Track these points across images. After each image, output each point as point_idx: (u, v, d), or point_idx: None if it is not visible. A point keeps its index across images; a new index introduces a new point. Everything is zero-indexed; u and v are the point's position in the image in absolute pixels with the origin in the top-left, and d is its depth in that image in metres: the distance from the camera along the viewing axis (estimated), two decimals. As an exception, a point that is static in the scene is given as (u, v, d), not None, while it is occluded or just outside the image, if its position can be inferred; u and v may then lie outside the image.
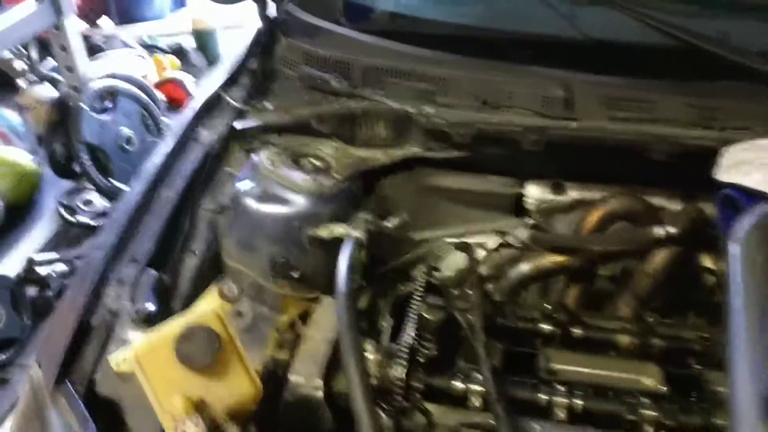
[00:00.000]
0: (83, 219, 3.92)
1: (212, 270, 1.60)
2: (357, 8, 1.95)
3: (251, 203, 1.57)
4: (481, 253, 1.75)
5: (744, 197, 1.31)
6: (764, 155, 1.38)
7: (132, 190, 1.60)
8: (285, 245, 1.57)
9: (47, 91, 4.54)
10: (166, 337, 1.06)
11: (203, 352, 1.04)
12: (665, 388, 1.31)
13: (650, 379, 1.35)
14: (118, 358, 1.13)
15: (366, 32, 1.79)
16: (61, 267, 3.54)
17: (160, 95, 4.57)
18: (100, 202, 3.99)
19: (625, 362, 1.39)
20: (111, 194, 3.84)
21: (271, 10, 1.97)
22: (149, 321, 1.32)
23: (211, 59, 5.74)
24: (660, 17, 1.57)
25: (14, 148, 4.08)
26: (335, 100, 1.73)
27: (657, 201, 1.66)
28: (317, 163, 1.68)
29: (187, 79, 5.13)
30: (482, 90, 1.63)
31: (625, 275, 1.69)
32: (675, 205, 1.66)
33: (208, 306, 1.12)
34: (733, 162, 1.41)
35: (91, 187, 3.89)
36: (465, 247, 1.54)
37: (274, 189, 1.58)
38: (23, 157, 3.99)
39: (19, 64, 4.71)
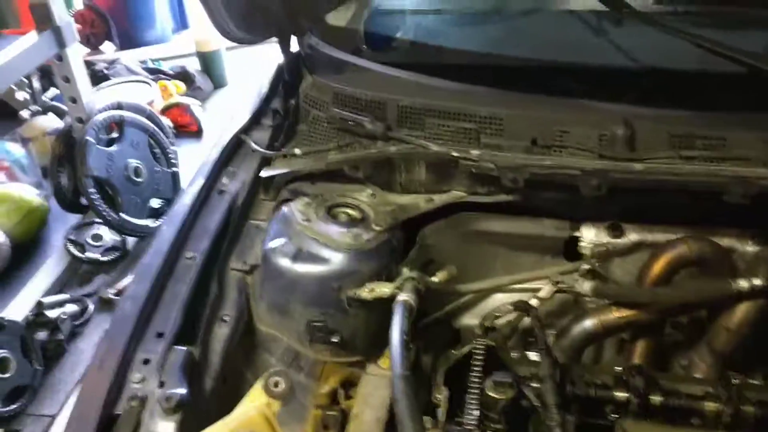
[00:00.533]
0: (92, 255, 3.79)
1: (245, 338, 1.46)
2: (386, 40, 1.82)
3: (284, 262, 1.43)
4: (533, 302, 1.61)
5: None
6: None
7: (153, 252, 1.46)
8: (323, 307, 1.43)
9: (51, 122, 4.43)
10: (210, 447, 0.92)
11: (252, 465, 0.90)
12: (764, 467, 1.16)
13: (743, 454, 1.21)
14: (152, 465, 0.99)
15: (397, 66, 1.65)
16: (71, 308, 3.41)
17: (167, 121, 4.44)
18: (109, 236, 3.85)
19: (712, 433, 1.25)
20: (120, 228, 3.71)
21: (294, 43, 1.83)
22: (181, 407, 1.18)
23: (217, 82, 5.63)
24: (723, 41, 1.44)
25: (19, 184, 3.96)
26: (370, 144, 1.59)
27: (726, 242, 1.52)
28: (353, 213, 1.54)
29: (193, 103, 5.00)
30: (531, 128, 1.49)
31: (695, 324, 1.55)
32: (745, 246, 1.51)
33: (253, 404, 0.98)
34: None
35: (100, 221, 3.76)
36: (526, 308, 1.39)
37: (308, 246, 1.44)
38: (29, 193, 3.86)
39: (21, 95, 4.61)
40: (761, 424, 1.25)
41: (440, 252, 1.64)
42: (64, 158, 3.68)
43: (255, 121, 1.79)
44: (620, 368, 1.35)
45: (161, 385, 1.23)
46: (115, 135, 3.74)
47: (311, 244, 1.44)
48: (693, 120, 1.43)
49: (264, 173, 1.63)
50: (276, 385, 0.98)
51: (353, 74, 1.66)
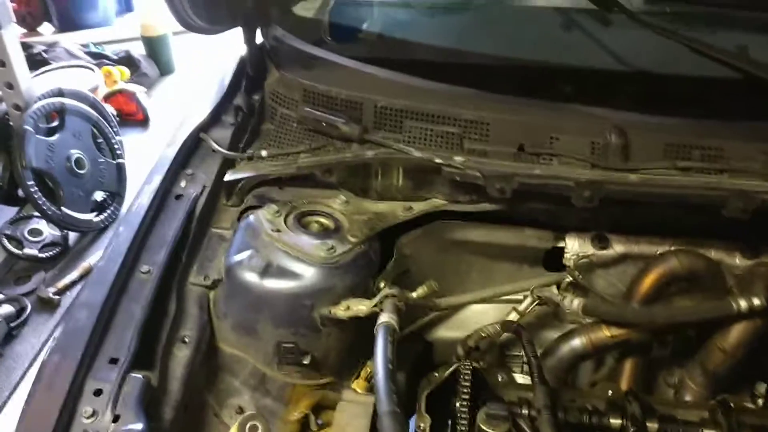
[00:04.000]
0: (30, 251, 3.54)
1: (207, 360, 1.33)
2: (354, 32, 1.70)
3: (251, 278, 1.30)
4: (512, 315, 1.53)
5: None
6: None
7: (104, 265, 1.31)
8: (294, 327, 1.31)
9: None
10: None
11: None
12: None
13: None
14: None
15: (373, 62, 1.52)
16: (7, 308, 3.18)
17: (111, 109, 4.21)
18: (48, 231, 3.61)
19: (713, 463, 1.18)
20: (61, 222, 3.48)
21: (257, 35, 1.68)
22: (138, 445, 1.05)
23: (164, 68, 5.38)
24: (721, 46, 1.37)
25: (-50, 175, 3.68)
26: (344, 147, 1.47)
27: (714, 255, 1.46)
28: (326, 222, 1.42)
29: (138, 90, 4.76)
30: (519, 134, 1.39)
31: (679, 341, 1.49)
32: (734, 260, 1.46)
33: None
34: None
35: (38, 215, 3.52)
36: (517, 330, 1.30)
37: (278, 259, 1.31)
38: (-39, 185, 3.59)
39: (-48, 79, 4.29)
40: (760, 451, 1.19)
41: (416, 262, 1.54)
42: (0, 148, 3.43)
43: (215, 118, 1.64)
44: (612, 393, 1.27)
45: (115, 419, 1.09)
46: (55, 124, 3.50)
47: (281, 258, 1.31)
48: (689, 128, 1.36)
49: (227, 177, 1.49)
50: (254, 430, 0.86)
51: (325, 70, 1.53)
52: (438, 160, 1.38)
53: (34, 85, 3.54)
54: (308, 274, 1.30)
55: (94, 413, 1.10)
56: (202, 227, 1.46)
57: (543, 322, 1.61)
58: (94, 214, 3.59)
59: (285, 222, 1.38)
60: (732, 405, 1.23)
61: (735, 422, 1.19)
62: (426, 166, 1.41)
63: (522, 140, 1.39)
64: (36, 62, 4.69)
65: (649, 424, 1.20)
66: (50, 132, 3.47)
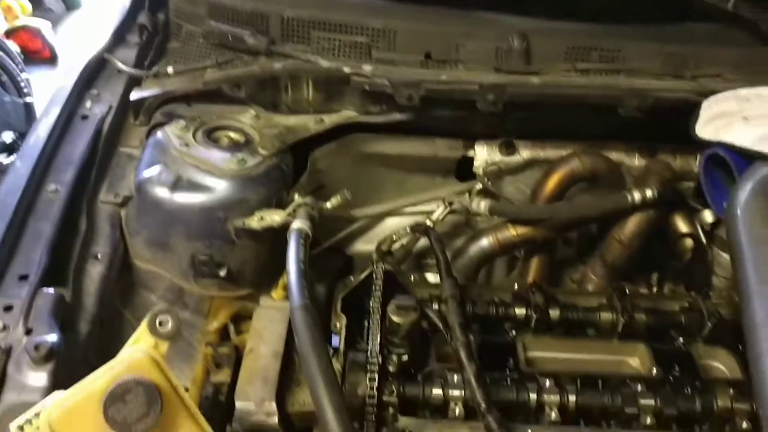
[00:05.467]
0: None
1: (122, 276, 1.32)
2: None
3: (162, 193, 1.29)
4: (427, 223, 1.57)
5: (734, 157, 1.19)
6: (746, 107, 1.26)
7: (6, 189, 1.28)
8: (207, 239, 1.31)
9: None
10: (90, 396, 0.81)
11: (143, 414, 0.80)
12: (656, 371, 1.19)
13: (636, 360, 1.24)
14: (22, 422, 0.87)
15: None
16: None
17: (14, 46, 4.01)
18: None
19: (609, 343, 1.27)
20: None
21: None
22: (53, 356, 1.05)
23: (70, 2, 5.12)
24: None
25: None
26: (252, 60, 1.45)
27: (615, 156, 1.53)
28: (236, 136, 1.42)
29: (43, 26, 4.53)
30: (426, 42, 1.42)
31: (583, 239, 1.57)
32: (633, 160, 1.54)
33: (138, 347, 0.87)
34: (714, 115, 1.28)
35: (-56, 158, 3.37)
36: (426, 230, 1.34)
37: (188, 173, 1.31)
38: None
39: None
40: (652, 330, 1.28)
41: (332, 176, 1.56)
42: None
43: (119, 38, 1.60)
44: (518, 286, 1.34)
45: (28, 332, 1.08)
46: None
47: (191, 172, 1.31)
48: (589, 31, 1.41)
49: (134, 95, 1.46)
50: (162, 324, 0.88)
51: (229, -17, 1.50)
52: (346, 70, 1.39)
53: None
54: (219, 186, 1.30)
55: (5, 327, 1.08)
56: (111, 146, 1.43)
57: (457, 231, 1.66)
58: (3, 155, 3.45)
59: (194, 137, 1.37)
60: (627, 291, 1.32)
61: (629, 305, 1.27)
62: (335, 77, 1.42)
63: (429, 48, 1.42)
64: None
65: (551, 312, 1.28)
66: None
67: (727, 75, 1.37)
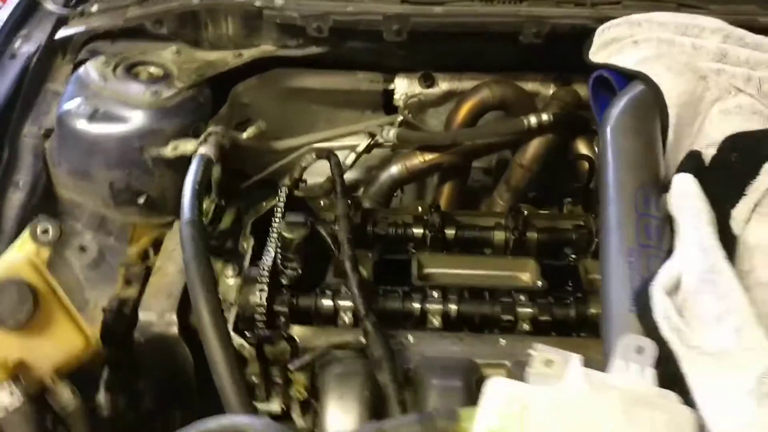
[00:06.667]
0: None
1: (46, 205, 1.40)
2: None
3: (80, 124, 1.36)
4: (351, 157, 1.63)
5: (617, 78, 1.23)
6: (637, 31, 1.29)
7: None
8: (125, 168, 1.38)
9: None
10: (-33, 295, 0.89)
11: (15, 310, 0.88)
12: (541, 283, 1.26)
13: (527, 275, 1.30)
14: None
15: None
16: None
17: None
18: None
19: (502, 260, 1.33)
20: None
21: None
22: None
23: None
24: None
25: None
26: (172, -2, 1.51)
27: (531, 87, 1.58)
28: (155, 71, 1.47)
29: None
30: (335, -25, 1.46)
31: (499, 167, 1.62)
32: (548, 90, 1.58)
33: (19, 253, 0.95)
34: (606, 41, 1.32)
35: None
36: (327, 155, 1.40)
37: (105, 105, 1.37)
38: None
39: None
40: (544, 247, 1.34)
41: (258, 111, 1.61)
42: None
43: (50, -21, 1.65)
44: (422, 209, 1.40)
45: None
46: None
47: (108, 104, 1.37)
48: (490, -41, 1.44)
49: (59, 34, 1.52)
50: (44, 232, 0.95)
51: None
52: (258, 3, 1.44)
53: None
54: (135, 117, 1.36)
55: None
56: (38, 84, 1.50)
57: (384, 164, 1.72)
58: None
59: (113, 72, 1.43)
60: (525, 212, 1.37)
61: (522, 224, 1.33)
62: (250, 11, 1.47)
63: (339, -20, 1.46)
64: None
65: (447, 231, 1.34)
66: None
67: (626, 2, 1.39)
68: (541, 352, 0.81)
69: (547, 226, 1.36)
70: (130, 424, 1.25)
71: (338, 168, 1.35)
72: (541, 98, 1.58)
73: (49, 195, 1.41)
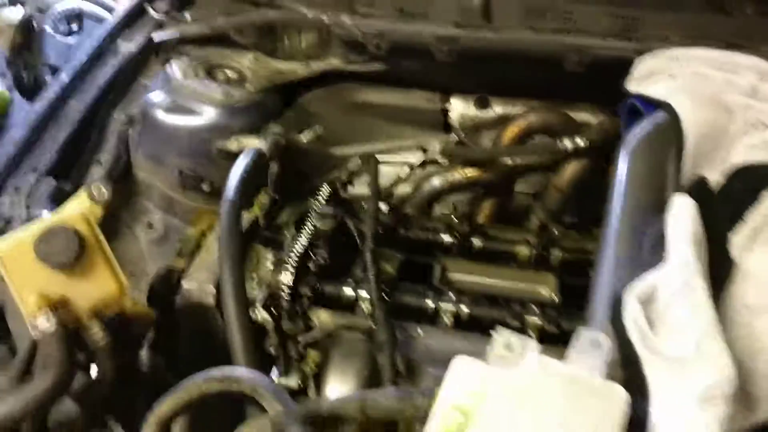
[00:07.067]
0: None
1: (124, 184, 1.58)
2: None
3: (160, 114, 1.54)
4: (404, 171, 1.73)
5: (645, 106, 1.27)
6: (674, 65, 1.33)
7: (39, 102, 1.57)
8: (194, 157, 1.54)
9: (19, 15, 4.46)
10: (28, 236, 1.05)
11: (62, 252, 1.03)
12: (557, 298, 1.30)
13: (546, 289, 1.35)
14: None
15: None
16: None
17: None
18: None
19: (523, 272, 1.39)
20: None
21: None
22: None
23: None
24: None
25: (-18, 72, 4.03)
26: (254, 10, 1.68)
27: (582, 116, 1.62)
28: (231, 74, 1.64)
29: None
30: (400, -2, 1.58)
31: (542, 191, 1.67)
32: (597, 118, 1.62)
33: (76, 207, 1.11)
34: (645, 72, 1.36)
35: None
36: (368, 158, 1.51)
37: (183, 100, 1.55)
38: (-9, 81, 3.94)
39: (-10, -13, 4.62)
40: (567, 266, 1.38)
41: (321, 120, 1.74)
42: (23, 48, 3.75)
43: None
44: (454, 218, 1.47)
45: (28, 208, 1.36)
46: (75, 26, 3.79)
47: (185, 99, 1.55)
48: (545, -6, 1.52)
49: (155, 37, 1.72)
50: (99, 192, 1.11)
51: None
52: (326, 20, 1.58)
53: (56, -10, 3.82)
54: (207, 113, 1.53)
55: (12, 203, 1.37)
56: (132, 78, 1.70)
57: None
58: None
59: (195, 72, 1.61)
60: (553, 230, 1.42)
61: (547, 240, 1.38)
62: (321, 27, 1.62)
63: (402, 4, 1.58)
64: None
65: (474, 240, 1.41)
66: (69, 34, 3.76)
67: (673, 38, 1.43)
68: (501, 335, 0.86)
69: (574, 246, 1.40)
70: (167, 384, 1.39)
71: (375, 169, 1.45)
72: (589, 127, 1.62)
73: (127, 175, 1.59)
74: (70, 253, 1.04)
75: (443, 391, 0.86)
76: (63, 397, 1.02)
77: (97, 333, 1.05)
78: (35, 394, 0.96)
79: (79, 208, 1.10)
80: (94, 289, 1.07)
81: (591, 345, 0.85)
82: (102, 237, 1.10)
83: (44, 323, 0.99)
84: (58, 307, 1.03)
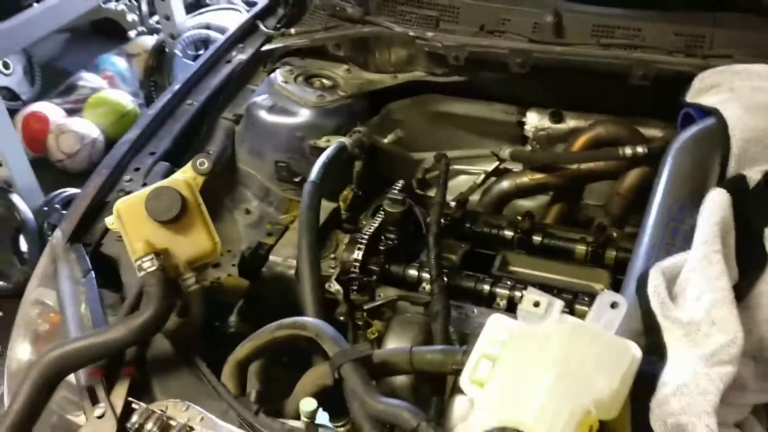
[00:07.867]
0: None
1: (228, 175, 1.78)
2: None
3: (262, 113, 1.75)
4: (480, 177, 1.86)
5: (699, 114, 1.35)
6: (733, 79, 1.40)
7: (161, 100, 1.82)
8: (288, 152, 1.74)
9: (153, 41, 4.94)
10: (141, 195, 1.25)
11: (166, 210, 1.23)
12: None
13: (599, 285, 1.43)
14: (111, 219, 1.34)
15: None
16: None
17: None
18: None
19: (578, 268, 1.47)
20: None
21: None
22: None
23: None
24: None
25: (118, 91, 4.48)
26: (350, 27, 1.87)
27: (651, 130, 1.70)
28: (326, 82, 1.84)
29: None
30: (481, 16, 1.73)
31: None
32: (665, 133, 1.69)
33: (182, 175, 1.30)
34: (705, 86, 1.44)
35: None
36: (440, 158, 1.64)
37: (282, 102, 1.75)
38: (124, 99, 4.37)
39: (131, 17, 5.14)
40: (622, 266, 1.45)
41: (404, 126, 1.90)
42: (155, 70, 4.16)
43: (270, 9, 2.11)
44: (518, 216, 1.58)
45: (144, 185, 1.58)
46: (201, 52, 4.17)
47: (285, 101, 1.75)
48: (615, 13, 1.62)
49: (264, 48, 1.95)
50: (202, 164, 1.30)
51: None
52: (411, 34, 1.75)
53: (186, 18, 4.23)
54: (302, 113, 1.73)
55: (131, 180, 1.60)
56: (241, 83, 1.93)
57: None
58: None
59: (295, 79, 1.82)
60: (611, 231, 1.50)
61: (603, 240, 1.47)
62: (407, 41, 1.79)
63: (483, 21, 1.73)
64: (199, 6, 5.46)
65: (534, 237, 1.51)
66: (197, 58, 4.14)
67: (738, 56, 1.49)
68: (530, 293, 0.97)
69: (629, 247, 1.47)
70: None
71: (446, 166, 1.59)
72: (657, 141, 1.69)
73: (231, 166, 1.81)
74: (173, 211, 1.23)
75: (477, 344, 0.97)
76: (159, 332, 1.21)
77: (190, 279, 1.23)
78: (139, 323, 1.15)
79: (184, 176, 1.30)
80: (191, 244, 1.26)
81: (609, 305, 0.94)
82: (201, 201, 1.29)
83: (148, 264, 1.18)
84: (161, 254, 1.22)
